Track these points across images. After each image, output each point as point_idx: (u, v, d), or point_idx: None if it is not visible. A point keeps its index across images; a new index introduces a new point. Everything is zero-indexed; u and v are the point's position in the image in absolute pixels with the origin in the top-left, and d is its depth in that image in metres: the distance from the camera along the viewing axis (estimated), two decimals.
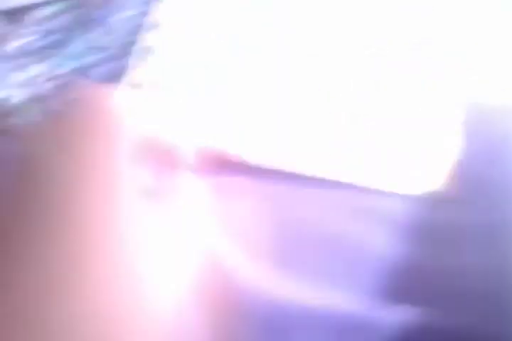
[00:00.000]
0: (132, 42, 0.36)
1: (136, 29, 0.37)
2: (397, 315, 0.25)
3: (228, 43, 0.37)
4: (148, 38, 0.36)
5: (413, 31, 0.38)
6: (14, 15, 0.36)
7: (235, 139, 0.32)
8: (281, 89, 0.35)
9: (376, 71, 0.36)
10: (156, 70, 0.34)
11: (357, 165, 0.31)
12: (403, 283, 0.27)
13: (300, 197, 0.30)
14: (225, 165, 0.31)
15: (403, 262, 0.28)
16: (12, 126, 0.30)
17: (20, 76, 0.32)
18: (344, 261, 0.28)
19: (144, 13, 0.38)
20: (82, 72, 0.33)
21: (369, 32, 0.38)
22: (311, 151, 0.32)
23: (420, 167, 0.32)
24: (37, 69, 0.33)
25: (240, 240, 0.28)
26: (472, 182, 0.31)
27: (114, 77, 0.33)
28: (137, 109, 0.21)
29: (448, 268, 0.28)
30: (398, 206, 0.30)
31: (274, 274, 0.27)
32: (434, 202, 0.30)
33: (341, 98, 0.35)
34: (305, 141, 0.32)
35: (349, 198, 0.30)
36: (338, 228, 0.29)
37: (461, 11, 0.39)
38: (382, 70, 0.36)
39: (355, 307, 0.25)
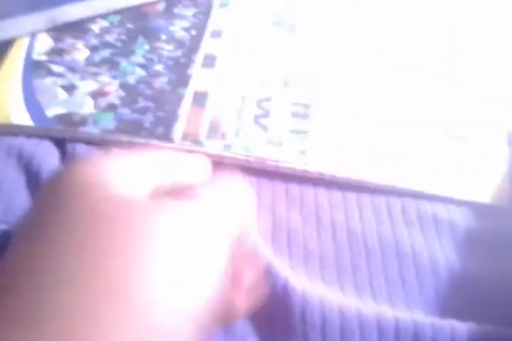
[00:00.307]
0: (195, 50, 0.36)
1: (197, 37, 0.37)
2: (452, 327, 0.25)
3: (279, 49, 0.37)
4: (210, 46, 0.36)
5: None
6: (78, 27, 0.37)
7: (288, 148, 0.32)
8: (333, 94, 0.35)
9: (424, 83, 0.36)
10: (220, 77, 0.35)
11: (412, 172, 0.31)
12: (457, 294, 0.27)
13: (354, 204, 0.30)
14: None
15: (458, 272, 0.27)
16: (88, 134, 0.30)
17: (91, 85, 0.33)
18: (399, 271, 0.28)
19: (205, 22, 0.38)
20: (148, 80, 0.34)
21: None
22: (366, 157, 0.32)
23: (474, 175, 0.31)
24: (106, 79, 0.33)
25: (292, 247, 0.28)
26: None
27: (180, 84, 0.34)
28: None
29: (503, 278, 0.27)
30: (453, 214, 0.30)
31: (325, 282, 0.27)
32: (488, 210, 0.30)
33: (395, 103, 0.35)
34: (360, 147, 0.32)
35: (405, 205, 0.30)
36: (392, 236, 0.29)
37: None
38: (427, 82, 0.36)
39: (409, 317, 0.25)
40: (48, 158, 0.30)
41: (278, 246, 0.28)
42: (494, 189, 0.30)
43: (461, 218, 0.29)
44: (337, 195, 0.30)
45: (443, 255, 0.28)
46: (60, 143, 0.31)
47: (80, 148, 0.30)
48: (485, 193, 0.30)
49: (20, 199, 0.29)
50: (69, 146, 0.30)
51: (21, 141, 0.31)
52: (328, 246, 0.28)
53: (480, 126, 0.33)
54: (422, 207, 0.30)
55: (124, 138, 0.30)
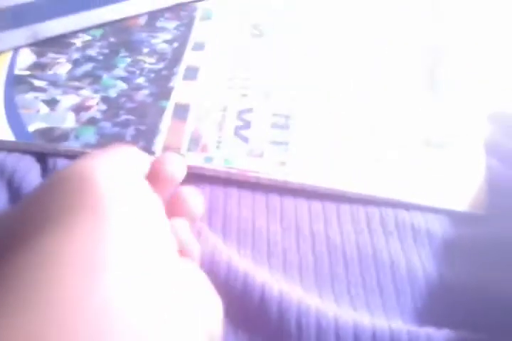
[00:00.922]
0: (177, 62, 0.36)
1: (179, 50, 0.37)
2: (428, 334, 0.25)
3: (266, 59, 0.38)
4: (192, 58, 0.37)
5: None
6: (60, 41, 0.37)
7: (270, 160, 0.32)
8: (314, 102, 0.35)
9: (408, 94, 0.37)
10: (202, 90, 0.35)
11: (390, 181, 0.31)
12: (435, 302, 0.27)
13: (334, 214, 0.31)
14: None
15: (436, 281, 0.28)
16: (69, 149, 0.31)
17: (73, 100, 0.33)
18: (377, 280, 0.28)
19: (187, 34, 0.38)
20: (130, 93, 0.34)
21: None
22: (346, 167, 0.32)
23: (450, 182, 0.32)
24: (87, 93, 0.34)
25: (272, 258, 0.29)
26: (500, 198, 0.31)
27: (161, 97, 0.34)
28: None
29: (481, 285, 0.28)
30: (430, 223, 0.30)
31: (304, 290, 0.27)
32: (464, 218, 0.30)
33: (374, 112, 0.35)
34: (339, 157, 0.32)
35: (383, 214, 0.30)
36: (371, 245, 0.29)
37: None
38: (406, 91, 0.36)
39: (386, 325, 0.25)
40: (29, 173, 0.30)
41: (258, 257, 0.28)
42: (471, 197, 0.31)
43: (439, 227, 0.30)
44: (317, 205, 0.30)
45: (420, 263, 0.28)
46: (42, 158, 0.31)
47: (62, 162, 0.30)
48: (462, 201, 0.31)
49: None
50: (50, 161, 0.31)
51: (3, 156, 0.31)
52: (308, 256, 0.28)
53: (458, 134, 0.34)
54: (400, 217, 0.30)
55: None
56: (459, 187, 0.31)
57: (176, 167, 0.23)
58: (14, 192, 0.29)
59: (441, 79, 0.37)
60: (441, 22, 0.41)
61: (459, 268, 0.28)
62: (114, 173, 0.20)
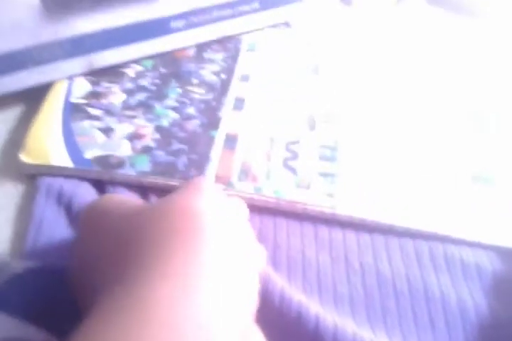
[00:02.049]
0: (225, 93, 0.38)
1: (226, 81, 0.39)
2: None
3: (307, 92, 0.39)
4: (239, 89, 0.38)
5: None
6: (114, 71, 0.39)
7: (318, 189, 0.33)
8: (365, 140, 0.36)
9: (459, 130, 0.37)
10: (249, 120, 0.36)
11: (440, 215, 0.32)
12: (485, 337, 0.27)
13: (383, 247, 0.31)
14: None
15: (486, 315, 0.28)
16: (125, 176, 0.32)
17: (127, 128, 0.34)
18: (428, 314, 0.28)
19: (233, 65, 0.40)
20: (181, 123, 0.35)
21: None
22: (394, 200, 0.32)
23: (498, 218, 0.32)
24: (141, 122, 0.35)
25: (322, 289, 0.29)
26: None
27: (211, 127, 0.35)
28: None
29: None
30: (480, 258, 0.31)
31: (356, 324, 0.28)
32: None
33: (422, 146, 0.36)
34: (388, 190, 0.33)
35: (432, 248, 0.31)
36: (421, 279, 0.29)
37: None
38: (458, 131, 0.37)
39: None
40: (87, 198, 0.31)
41: (308, 288, 0.29)
42: None
43: (488, 262, 0.30)
44: (365, 237, 0.31)
45: (471, 298, 0.29)
46: (98, 184, 0.32)
47: (118, 189, 0.31)
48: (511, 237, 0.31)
49: (61, 238, 0.30)
50: (107, 188, 0.32)
51: (61, 182, 0.32)
52: (358, 288, 0.29)
53: (505, 169, 0.34)
54: (449, 251, 0.30)
55: (160, 180, 0.31)
56: (508, 223, 0.31)
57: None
58: (73, 217, 0.30)
59: (489, 116, 0.37)
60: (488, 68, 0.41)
61: (509, 303, 0.28)
62: (215, 208, 0.21)
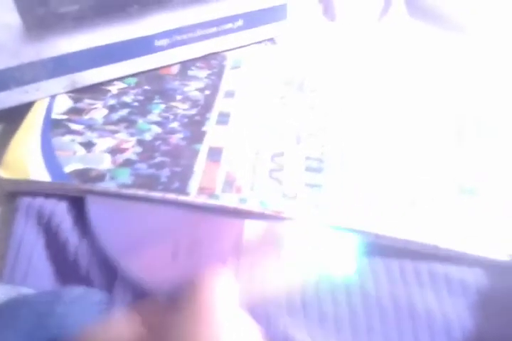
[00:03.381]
0: (209, 109, 0.37)
1: (211, 97, 0.38)
2: None
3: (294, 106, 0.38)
4: (223, 105, 0.38)
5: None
6: (96, 88, 0.38)
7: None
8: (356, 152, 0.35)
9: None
10: (234, 134, 0.35)
11: (423, 226, 0.31)
12: None
13: (367, 266, 0.30)
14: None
15: (471, 332, 0.27)
16: (104, 188, 0.31)
17: (109, 142, 0.34)
18: (413, 332, 0.27)
19: (218, 82, 0.40)
20: (164, 136, 0.35)
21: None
22: (378, 211, 0.31)
23: (485, 230, 0.31)
24: (123, 136, 0.34)
25: (307, 308, 0.28)
26: None
27: (195, 140, 0.35)
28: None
29: None
30: (465, 274, 0.29)
31: None
32: (500, 268, 0.30)
33: (406, 156, 0.35)
34: (373, 202, 0.32)
35: (416, 265, 0.30)
36: (405, 297, 0.28)
37: None
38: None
39: None
40: (66, 217, 0.30)
41: (292, 307, 0.27)
42: (509, 245, 0.30)
43: (473, 278, 0.29)
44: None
45: (456, 315, 0.28)
46: (78, 201, 0.31)
47: (97, 208, 0.30)
48: (499, 249, 0.30)
49: (40, 260, 0.29)
50: (87, 206, 0.31)
51: (40, 201, 0.31)
52: (343, 307, 0.28)
53: (490, 180, 0.33)
54: (433, 268, 0.29)
55: (141, 192, 0.30)
56: (495, 235, 0.30)
57: None
58: (52, 237, 0.30)
59: (469, 127, 0.37)
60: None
61: (495, 320, 0.27)
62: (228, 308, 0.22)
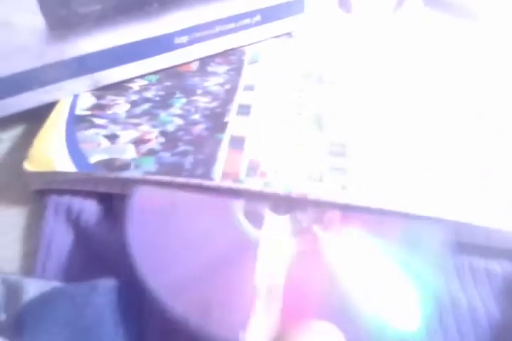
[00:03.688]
0: (230, 101, 0.37)
1: (231, 91, 0.38)
2: None
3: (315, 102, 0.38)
4: (244, 98, 0.38)
5: None
6: (118, 86, 0.39)
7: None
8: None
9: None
10: (256, 124, 0.36)
11: (451, 201, 0.30)
12: None
13: None
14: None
15: (497, 321, 0.27)
16: (130, 178, 0.31)
17: (132, 134, 0.34)
18: (439, 320, 0.27)
19: (237, 77, 0.40)
20: (187, 127, 0.35)
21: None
22: (404, 189, 0.31)
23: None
24: (146, 128, 0.35)
25: None
26: None
27: (217, 130, 0.35)
28: None
29: None
30: (490, 262, 0.29)
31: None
32: None
33: (428, 138, 0.35)
34: (398, 179, 0.32)
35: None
36: None
37: None
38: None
39: None
40: (94, 214, 0.31)
41: None
42: None
43: (498, 267, 0.29)
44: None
45: (482, 304, 0.27)
46: (106, 199, 0.32)
47: (122, 205, 0.30)
48: None
49: (70, 256, 0.30)
50: (115, 201, 0.31)
51: (68, 198, 0.32)
52: None
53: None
54: (457, 258, 0.29)
55: (166, 178, 0.30)
56: None
57: None
58: (81, 233, 0.31)
59: (492, 116, 0.36)
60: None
61: None
62: None
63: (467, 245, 0.29)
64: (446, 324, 0.27)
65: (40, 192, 0.33)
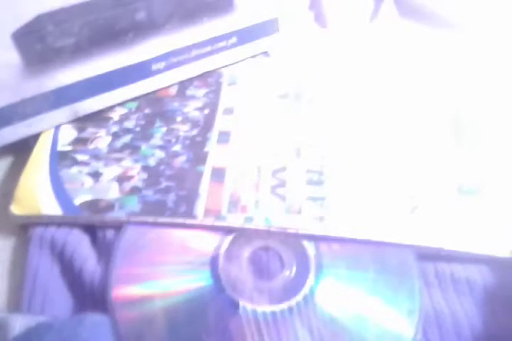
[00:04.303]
0: (209, 128, 0.38)
1: (210, 116, 0.39)
2: None
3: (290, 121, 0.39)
4: (223, 123, 0.38)
5: None
6: (98, 116, 0.39)
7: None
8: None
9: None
10: (236, 152, 0.36)
11: (426, 229, 0.32)
12: None
13: None
14: None
15: (480, 331, 0.28)
16: (115, 218, 0.32)
17: (115, 171, 0.35)
18: (423, 331, 0.28)
19: (216, 100, 0.40)
20: (168, 161, 0.36)
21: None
22: (381, 218, 0.32)
23: (486, 229, 0.32)
24: (128, 163, 0.35)
25: None
26: None
27: (198, 162, 0.35)
28: None
29: None
30: (471, 272, 0.30)
31: None
32: (505, 265, 0.30)
33: (406, 163, 0.36)
34: (374, 208, 0.33)
35: (422, 267, 0.30)
36: None
37: None
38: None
39: None
40: (79, 245, 0.31)
41: None
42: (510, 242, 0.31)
43: (479, 275, 0.30)
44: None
45: (464, 313, 0.28)
46: (90, 229, 0.32)
47: (110, 232, 0.32)
48: (501, 247, 0.31)
49: (56, 289, 0.30)
50: (99, 232, 0.32)
51: (52, 231, 0.32)
52: None
53: (489, 179, 0.34)
54: (439, 268, 0.30)
55: (150, 219, 0.31)
56: (496, 233, 0.31)
57: None
58: (66, 265, 0.31)
59: (466, 127, 0.37)
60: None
61: (502, 317, 0.28)
62: None
63: (448, 256, 0.31)
64: (430, 337, 0.28)
65: (24, 224, 0.33)
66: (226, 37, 0.42)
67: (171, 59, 0.40)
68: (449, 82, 0.41)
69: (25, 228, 0.33)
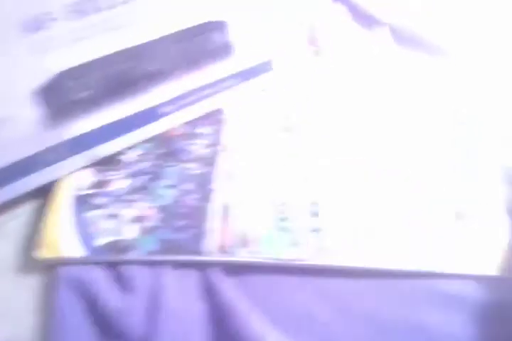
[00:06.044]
0: (215, 166, 0.41)
1: (214, 153, 0.42)
2: None
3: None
4: (227, 160, 0.41)
5: None
6: (115, 159, 0.42)
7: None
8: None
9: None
10: (240, 189, 0.39)
11: (419, 253, 0.35)
12: None
13: (373, 290, 0.34)
14: None
15: None
16: (136, 258, 0.35)
17: (133, 212, 0.38)
18: None
19: (218, 138, 0.43)
20: (181, 199, 0.39)
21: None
22: (380, 245, 0.35)
23: (476, 249, 0.35)
24: (144, 204, 0.38)
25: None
26: None
27: (206, 200, 0.38)
28: None
29: None
30: (461, 289, 0.33)
31: None
32: (493, 283, 0.33)
33: (401, 191, 0.38)
34: (373, 236, 0.36)
35: (414, 285, 0.33)
36: (410, 316, 0.32)
37: None
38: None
39: None
40: (104, 282, 0.34)
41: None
42: (498, 261, 0.34)
43: (468, 292, 0.33)
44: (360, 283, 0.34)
45: (451, 329, 0.31)
46: (113, 266, 0.35)
47: (131, 268, 0.34)
48: (490, 266, 0.34)
49: (83, 327, 0.33)
50: (122, 269, 0.35)
51: (78, 270, 0.35)
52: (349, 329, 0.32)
53: (477, 203, 0.37)
54: (429, 285, 0.33)
55: (169, 257, 0.35)
56: (485, 253, 0.34)
57: None
58: (92, 303, 0.34)
59: (467, 153, 0.40)
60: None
61: (490, 333, 0.31)
62: None
63: (439, 275, 0.33)
64: None
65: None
66: (227, 78, 0.45)
67: (178, 102, 0.43)
68: (441, 110, 0.43)
69: (49, 267, 0.36)
